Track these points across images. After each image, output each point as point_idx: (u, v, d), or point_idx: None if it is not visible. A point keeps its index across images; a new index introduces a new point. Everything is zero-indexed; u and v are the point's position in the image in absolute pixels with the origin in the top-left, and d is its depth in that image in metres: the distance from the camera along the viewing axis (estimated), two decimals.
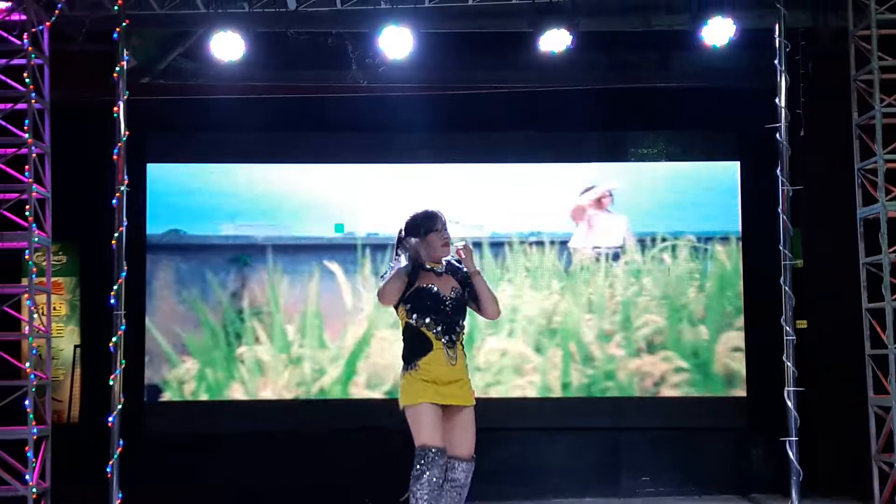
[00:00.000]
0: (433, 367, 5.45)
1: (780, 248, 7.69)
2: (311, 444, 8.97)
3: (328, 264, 9.36)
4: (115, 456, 7.32)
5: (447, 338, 5.48)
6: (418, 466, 5.32)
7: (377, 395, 9.11)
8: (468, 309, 5.63)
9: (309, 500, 8.65)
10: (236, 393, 9.24)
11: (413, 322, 5.51)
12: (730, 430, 9.19)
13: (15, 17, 7.64)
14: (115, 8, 7.57)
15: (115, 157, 7.55)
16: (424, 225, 5.57)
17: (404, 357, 5.54)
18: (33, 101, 7.60)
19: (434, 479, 5.31)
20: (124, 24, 7.58)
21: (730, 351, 9.32)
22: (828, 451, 8.48)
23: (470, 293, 5.58)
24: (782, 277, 7.66)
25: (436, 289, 5.51)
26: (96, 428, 7.84)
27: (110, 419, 7.39)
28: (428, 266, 5.55)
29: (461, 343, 5.57)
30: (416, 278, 5.51)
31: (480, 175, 9.43)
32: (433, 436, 5.35)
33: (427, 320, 5.49)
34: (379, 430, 8.48)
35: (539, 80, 8.89)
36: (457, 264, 5.61)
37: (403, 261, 5.46)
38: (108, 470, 7.33)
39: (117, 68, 7.56)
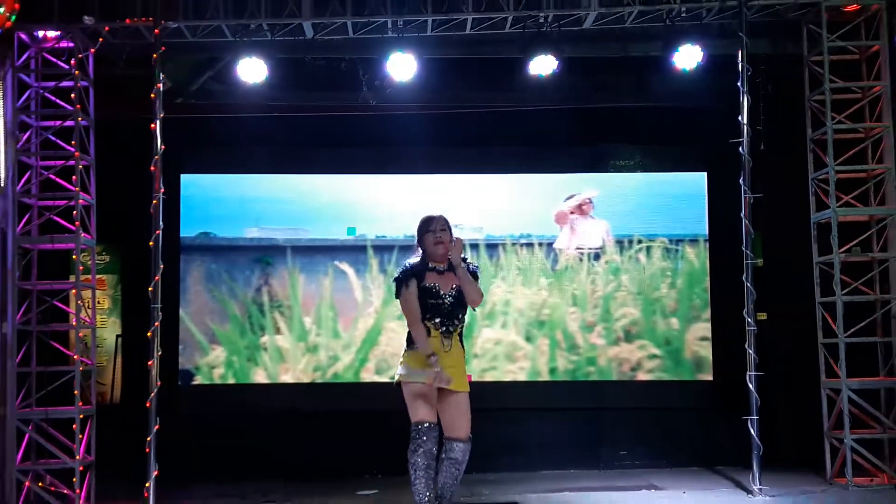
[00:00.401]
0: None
1: (743, 248, 7.67)
2: (326, 422, 8.99)
3: (339, 264, 9.42)
4: (153, 433, 7.33)
5: (444, 329, 5.64)
6: (415, 439, 5.51)
7: (384, 379, 9.15)
8: (467, 304, 5.74)
9: (324, 471, 8.70)
10: (260, 377, 9.30)
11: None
12: (698, 410, 9.21)
13: (63, 44, 7.73)
14: (153, 37, 7.63)
15: (152, 168, 7.54)
16: (422, 228, 5.75)
17: (408, 339, 5.71)
18: (80, 119, 7.69)
19: (428, 449, 5.49)
20: (161, 50, 7.61)
21: (698, 340, 9.37)
22: (785, 429, 8.53)
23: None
24: (744, 275, 7.65)
25: (437, 286, 5.65)
26: (135, 408, 7.80)
27: (148, 400, 7.38)
28: (431, 265, 5.68)
29: (458, 334, 5.70)
30: (422, 278, 5.65)
31: (477, 184, 9.46)
32: (427, 413, 5.54)
33: (427, 314, 5.63)
34: (385, 411, 8.49)
35: (529, 100, 8.90)
36: (465, 260, 5.73)
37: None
38: (146, 446, 7.31)
39: (154, 90, 7.56)
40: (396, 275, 5.76)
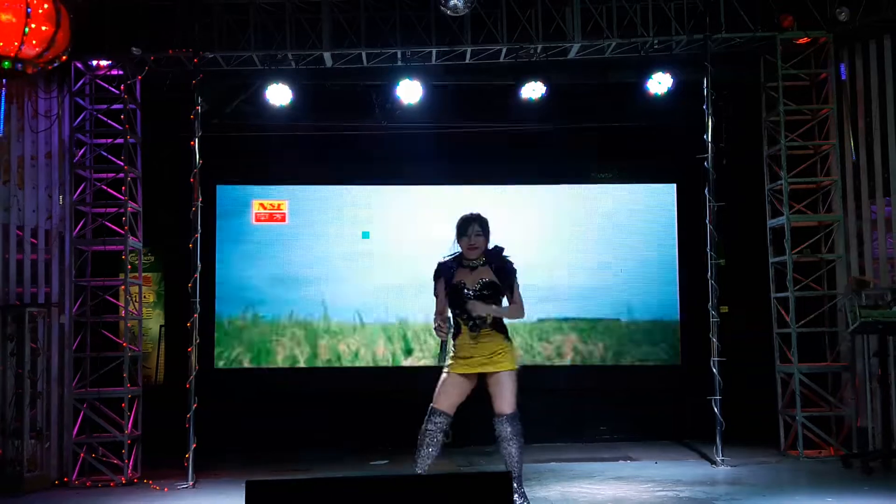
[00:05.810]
0: (463, 346, 5.41)
1: (707, 250, 7.70)
2: (342, 401, 8.95)
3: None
4: (192, 411, 7.31)
5: (471, 323, 5.37)
6: (425, 419, 5.42)
7: (394, 364, 9.13)
8: (499, 296, 5.44)
9: (341, 444, 8.66)
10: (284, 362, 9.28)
11: (451, 311, 5.48)
12: (669, 391, 9.19)
13: (114, 72, 7.74)
14: (192, 65, 7.63)
15: (191, 180, 7.52)
16: (459, 231, 5.49)
17: (452, 337, 5.50)
18: (128, 137, 7.69)
19: (431, 430, 5.37)
20: (199, 77, 7.60)
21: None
22: (744, 408, 8.49)
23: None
24: (709, 273, 7.67)
25: (464, 283, 5.42)
26: (177, 389, 7.79)
27: (188, 382, 7.36)
28: (465, 262, 5.47)
29: (488, 325, 5.37)
30: (453, 275, 5.44)
31: (475, 195, 9.31)
32: (441, 401, 5.41)
33: (457, 311, 5.44)
34: (395, 392, 8.52)
35: (520, 121, 8.88)
36: (502, 255, 5.47)
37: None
38: (186, 422, 7.30)
39: (193, 111, 7.54)
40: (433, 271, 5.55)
